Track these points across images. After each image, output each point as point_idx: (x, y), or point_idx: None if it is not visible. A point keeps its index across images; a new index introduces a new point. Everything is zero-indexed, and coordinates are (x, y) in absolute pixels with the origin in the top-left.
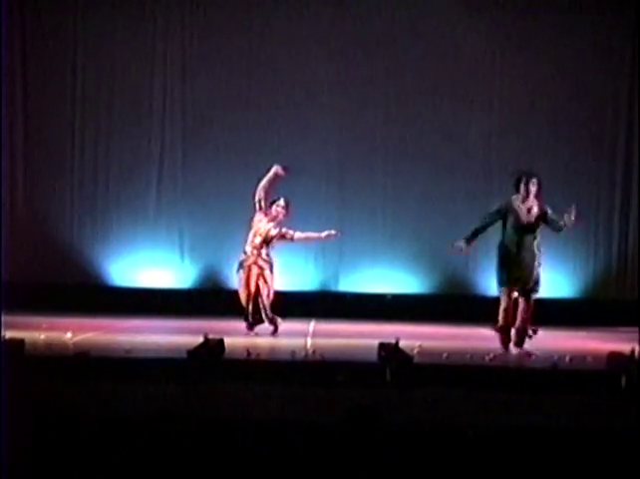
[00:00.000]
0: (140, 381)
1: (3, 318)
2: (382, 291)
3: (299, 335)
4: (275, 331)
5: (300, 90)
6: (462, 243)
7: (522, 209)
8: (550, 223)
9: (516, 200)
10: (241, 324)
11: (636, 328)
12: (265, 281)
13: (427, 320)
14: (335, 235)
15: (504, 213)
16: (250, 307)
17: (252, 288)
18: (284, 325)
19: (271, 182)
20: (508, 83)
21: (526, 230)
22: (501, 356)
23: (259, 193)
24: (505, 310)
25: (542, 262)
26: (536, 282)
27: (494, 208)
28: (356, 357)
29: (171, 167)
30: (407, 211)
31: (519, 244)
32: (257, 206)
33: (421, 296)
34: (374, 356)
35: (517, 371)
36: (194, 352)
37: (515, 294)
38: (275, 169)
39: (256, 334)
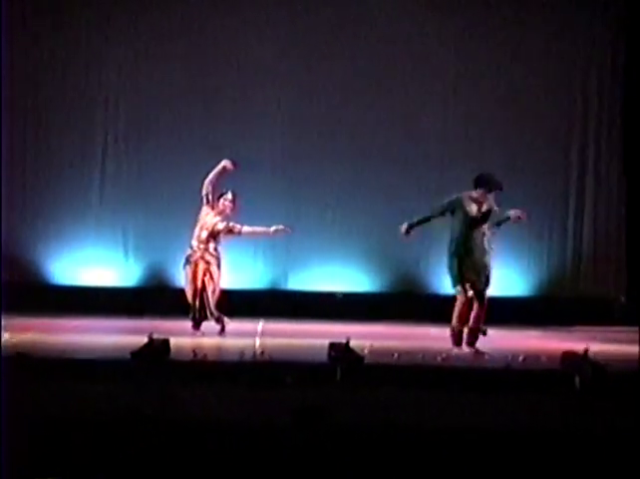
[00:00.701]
0: (82, 383)
1: None
2: (332, 290)
3: (247, 335)
4: (222, 331)
5: (247, 82)
6: (402, 227)
7: (472, 204)
8: (492, 218)
9: (469, 197)
10: (187, 324)
11: (590, 327)
12: (211, 277)
13: (378, 320)
14: (284, 229)
15: (454, 207)
16: (197, 304)
17: (199, 284)
18: (232, 325)
19: (219, 175)
20: (464, 71)
21: (475, 225)
22: (453, 356)
23: (206, 186)
24: (461, 309)
25: (493, 260)
26: (487, 280)
27: (445, 200)
28: (306, 358)
29: (115, 161)
30: (358, 206)
31: (469, 241)
32: (204, 199)
33: (372, 295)
34: (324, 356)
35: (470, 371)
36: (138, 353)
37: (471, 293)
38: (224, 162)
39: (203, 334)
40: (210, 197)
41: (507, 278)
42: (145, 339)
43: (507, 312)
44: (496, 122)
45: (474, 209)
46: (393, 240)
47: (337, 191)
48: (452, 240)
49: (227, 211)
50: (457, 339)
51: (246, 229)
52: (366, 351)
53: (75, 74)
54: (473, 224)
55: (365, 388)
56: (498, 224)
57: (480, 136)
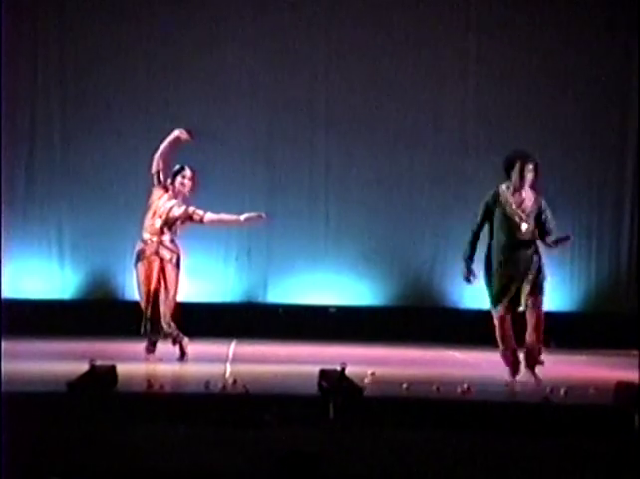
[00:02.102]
0: (5, 422)
1: None
2: (323, 303)
3: (216, 361)
4: (183, 356)
5: (219, 47)
6: (465, 270)
7: (514, 201)
8: (543, 222)
9: (507, 189)
10: (139, 346)
11: None
12: (167, 279)
13: (381, 341)
14: (259, 216)
15: (492, 207)
16: (148, 313)
17: (152, 287)
18: (195, 348)
19: (171, 148)
20: (486, 39)
21: (519, 229)
22: (478, 388)
23: (157, 162)
24: (503, 335)
25: (544, 267)
26: (540, 290)
27: (481, 204)
28: (290, 389)
29: (46, 143)
30: (356, 199)
31: (512, 247)
32: (155, 179)
33: (373, 310)
34: (313, 388)
35: (498, 408)
36: (77, 384)
37: (516, 310)
38: (177, 132)
39: (160, 360)
40: (162, 175)
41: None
42: (85, 366)
43: (546, 332)
44: (530, 91)
45: (516, 205)
46: (398, 241)
47: (329, 179)
48: (489, 247)
49: (186, 191)
50: (513, 366)
51: (211, 215)
52: (366, 381)
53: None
54: (516, 224)
55: (364, 429)
56: (545, 240)
57: (507, 109)
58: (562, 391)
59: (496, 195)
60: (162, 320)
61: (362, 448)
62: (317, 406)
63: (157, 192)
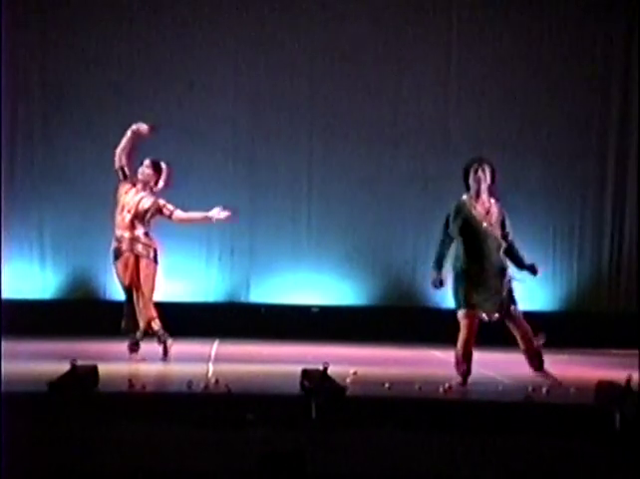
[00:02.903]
0: None
1: None
2: (305, 303)
3: (198, 360)
4: (165, 354)
5: (201, 46)
6: (434, 276)
7: (479, 210)
8: (506, 230)
9: (469, 199)
10: (121, 346)
11: (632, 350)
12: (138, 274)
13: (363, 340)
14: (227, 216)
15: (455, 219)
16: (127, 309)
17: (128, 282)
18: (178, 347)
19: (132, 141)
20: (469, 38)
21: (487, 236)
22: (460, 386)
23: (119, 157)
24: (467, 339)
25: (513, 274)
26: (511, 299)
27: (445, 217)
28: (272, 389)
29: (27, 144)
30: (338, 197)
31: (481, 256)
32: (120, 174)
33: (355, 309)
34: (296, 387)
35: (480, 406)
36: (58, 384)
37: (484, 317)
38: (135, 127)
39: (142, 359)
40: (127, 170)
41: (528, 290)
42: (66, 366)
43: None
44: (515, 89)
45: (481, 214)
46: (381, 240)
47: (312, 179)
48: (457, 256)
49: (152, 182)
50: (461, 370)
51: (180, 213)
52: (348, 381)
53: None
54: (484, 234)
55: (347, 428)
56: (519, 265)
57: (489, 107)
58: (544, 390)
59: (459, 206)
60: (138, 316)
61: (344, 447)
62: (299, 406)
63: (123, 187)
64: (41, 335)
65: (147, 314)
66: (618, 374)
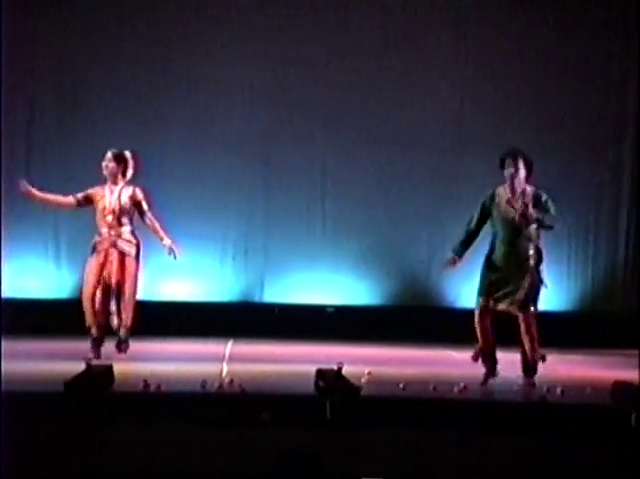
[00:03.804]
0: (3, 421)
1: None
2: (320, 303)
3: (212, 360)
4: (118, 352)
5: (217, 46)
6: (450, 258)
7: (511, 201)
8: (545, 209)
9: (504, 190)
10: (135, 346)
11: None
12: (123, 272)
13: (378, 340)
14: (174, 251)
15: (489, 207)
16: (95, 307)
17: (112, 280)
18: (192, 347)
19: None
20: (483, 37)
21: (517, 227)
22: (475, 387)
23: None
24: (481, 334)
25: (540, 269)
26: (531, 299)
27: (478, 204)
28: (287, 389)
29: (43, 143)
30: (353, 198)
31: (509, 247)
32: (84, 201)
33: (370, 309)
34: (310, 387)
35: (494, 407)
36: (73, 384)
37: (498, 307)
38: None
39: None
40: (85, 195)
41: (543, 290)
42: (81, 366)
43: (543, 331)
44: (528, 84)
45: (512, 204)
46: (396, 240)
47: (326, 180)
48: (491, 245)
49: (119, 174)
50: (489, 367)
51: (151, 218)
52: (363, 381)
53: None
54: (513, 224)
55: (361, 428)
56: (545, 225)
57: (506, 104)
58: (559, 391)
59: (493, 195)
60: (122, 316)
61: (359, 447)
62: (314, 406)
63: (96, 195)
64: (57, 335)
65: (130, 312)
66: (634, 375)
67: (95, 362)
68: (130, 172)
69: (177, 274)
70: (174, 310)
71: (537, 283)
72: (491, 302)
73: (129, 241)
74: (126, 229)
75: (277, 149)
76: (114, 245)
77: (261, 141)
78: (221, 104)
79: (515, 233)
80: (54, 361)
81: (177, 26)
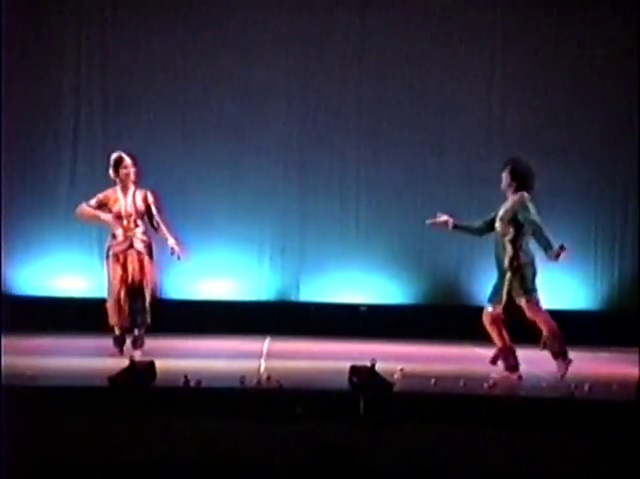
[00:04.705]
0: (49, 416)
1: None
2: (354, 301)
3: (250, 357)
4: (142, 345)
5: (254, 50)
6: (446, 220)
7: (500, 209)
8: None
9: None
10: (179, 343)
11: None
12: (144, 270)
13: (410, 337)
14: (177, 253)
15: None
16: (125, 309)
17: (136, 279)
18: (231, 344)
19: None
20: (511, 49)
21: (497, 233)
22: (504, 383)
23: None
24: (495, 334)
25: (525, 265)
26: (523, 290)
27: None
28: (321, 384)
29: (88, 148)
30: (386, 200)
31: (495, 252)
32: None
33: (402, 307)
34: (344, 383)
35: (524, 403)
36: (118, 379)
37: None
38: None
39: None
40: (100, 202)
41: (569, 289)
42: (125, 362)
43: (569, 330)
44: (556, 95)
45: (501, 208)
46: (426, 241)
47: (359, 181)
48: None
49: (132, 179)
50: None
51: (159, 221)
52: (395, 377)
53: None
54: (495, 231)
55: (394, 423)
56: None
57: (533, 112)
58: (586, 387)
59: None
60: (144, 313)
61: (392, 442)
62: (348, 401)
63: (110, 199)
64: (102, 331)
65: (150, 311)
66: None
67: (138, 358)
68: (132, 176)
69: (216, 274)
70: (213, 309)
71: (523, 276)
72: (496, 306)
73: (143, 241)
74: (139, 229)
75: (312, 152)
76: (131, 246)
77: (297, 144)
78: (258, 107)
79: (496, 240)
80: (99, 357)
81: (215, 29)
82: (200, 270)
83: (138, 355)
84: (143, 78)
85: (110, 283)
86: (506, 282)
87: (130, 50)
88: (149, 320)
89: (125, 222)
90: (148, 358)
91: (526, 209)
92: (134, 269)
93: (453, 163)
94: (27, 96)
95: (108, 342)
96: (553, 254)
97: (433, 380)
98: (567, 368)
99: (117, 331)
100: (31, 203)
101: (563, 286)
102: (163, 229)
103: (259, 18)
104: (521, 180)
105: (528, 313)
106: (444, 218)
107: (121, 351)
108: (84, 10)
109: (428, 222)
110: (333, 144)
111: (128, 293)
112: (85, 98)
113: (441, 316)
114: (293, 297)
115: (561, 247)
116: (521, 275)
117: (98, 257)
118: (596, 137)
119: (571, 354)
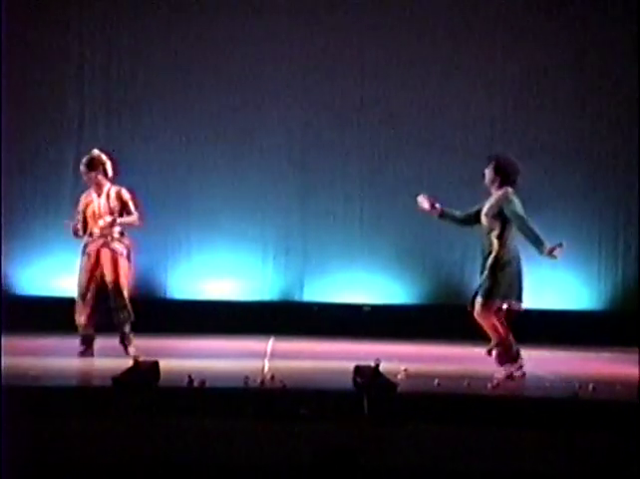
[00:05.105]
0: (52, 416)
1: None
2: (357, 301)
3: (254, 356)
4: (130, 343)
5: (256, 51)
6: (436, 206)
7: (485, 202)
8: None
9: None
10: (183, 343)
11: None
12: (117, 270)
13: (414, 338)
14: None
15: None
16: (89, 306)
17: (107, 279)
18: (235, 344)
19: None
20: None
21: (483, 228)
22: (507, 383)
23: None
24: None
25: (506, 265)
26: (483, 291)
27: None
28: (325, 384)
29: (92, 146)
30: (389, 200)
31: (482, 248)
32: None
33: (406, 308)
34: (348, 383)
35: (527, 403)
36: (122, 379)
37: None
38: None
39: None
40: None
41: (572, 289)
42: (129, 362)
43: (573, 330)
44: (555, 101)
45: (485, 206)
46: (430, 242)
47: (363, 182)
48: None
49: (96, 178)
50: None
51: (136, 219)
52: (399, 377)
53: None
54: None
55: (398, 423)
56: (538, 247)
57: (534, 116)
58: (590, 387)
59: None
60: (125, 311)
61: (396, 442)
62: (352, 401)
63: (84, 202)
64: (106, 332)
65: (129, 309)
66: None
67: (142, 358)
68: (110, 172)
69: (220, 274)
70: (217, 309)
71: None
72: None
73: (120, 241)
74: (116, 229)
75: (315, 152)
76: (106, 245)
77: (300, 144)
78: (261, 108)
79: (483, 236)
80: (102, 357)
81: (216, 29)
82: (204, 271)
83: (132, 352)
84: (145, 79)
85: (78, 280)
86: (483, 278)
87: (132, 51)
88: (132, 317)
89: (101, 222)
90: (151, 358)
91: (511, 202)
92: (107, 268)
93: (456, 163)
94: (30, 97)
95: (110, 342)
96: (546, 250)
97: (436, 380)
98: (512, 376)
99: (82, 331)
100: (34, 203)
101: (567, 286)
102: (134, 217)
103: (260, 19)
104: (505, 175)
105: (478, 316)
106: (427, 205)
107: (89, 352)
108: (86, 11)
109: (418, 199)
110: (336, 144)
111: (98, 292)
112: (88, 99)
113: (444, 317)
114: (297, 297)
115: (560, 245)
116: (496, 279)
117: None
118: (599, 137)
119: (575, 354)
